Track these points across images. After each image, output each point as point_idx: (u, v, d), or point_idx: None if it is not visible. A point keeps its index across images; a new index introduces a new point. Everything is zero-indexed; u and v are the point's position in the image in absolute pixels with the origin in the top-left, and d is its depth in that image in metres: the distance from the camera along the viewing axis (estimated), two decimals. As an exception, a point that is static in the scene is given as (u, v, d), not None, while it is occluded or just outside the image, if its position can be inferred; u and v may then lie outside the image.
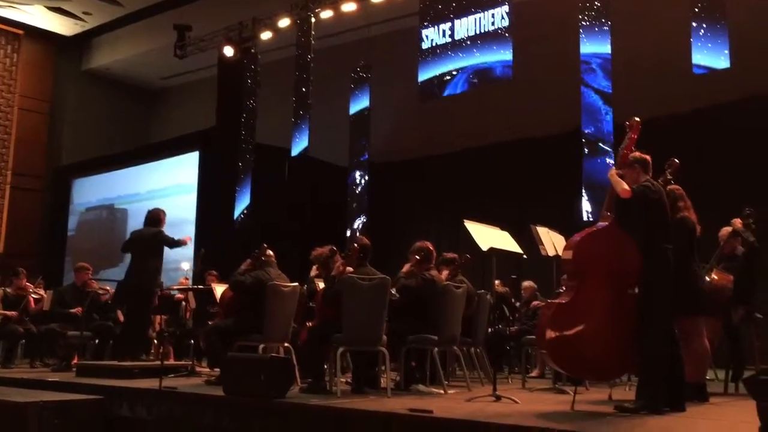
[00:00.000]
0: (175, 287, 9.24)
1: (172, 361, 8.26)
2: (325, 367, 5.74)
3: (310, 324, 6.47)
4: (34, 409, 4.90)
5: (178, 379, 6.58)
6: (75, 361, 8.03)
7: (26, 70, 15.44)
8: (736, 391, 5.89)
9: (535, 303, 8.26)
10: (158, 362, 6.99)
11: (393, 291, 5.75)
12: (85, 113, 16.30)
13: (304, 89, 11.94)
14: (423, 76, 10.64)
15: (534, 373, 8.01)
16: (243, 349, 5.94)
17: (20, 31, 15.28)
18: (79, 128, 16.22)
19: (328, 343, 5.48)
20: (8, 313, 8.69)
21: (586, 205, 8.92)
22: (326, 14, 11.92)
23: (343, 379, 5.94)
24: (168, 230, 7.85)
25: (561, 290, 5.89)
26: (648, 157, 4.70)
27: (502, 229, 6.16)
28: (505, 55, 9.77)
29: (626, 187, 4.50)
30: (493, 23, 9.97)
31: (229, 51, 13.07)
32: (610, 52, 9.00)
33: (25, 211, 15.01)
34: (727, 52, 7.97)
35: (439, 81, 10.45)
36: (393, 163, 13.76)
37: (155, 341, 8.70)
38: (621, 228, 4.63)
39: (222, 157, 13.09)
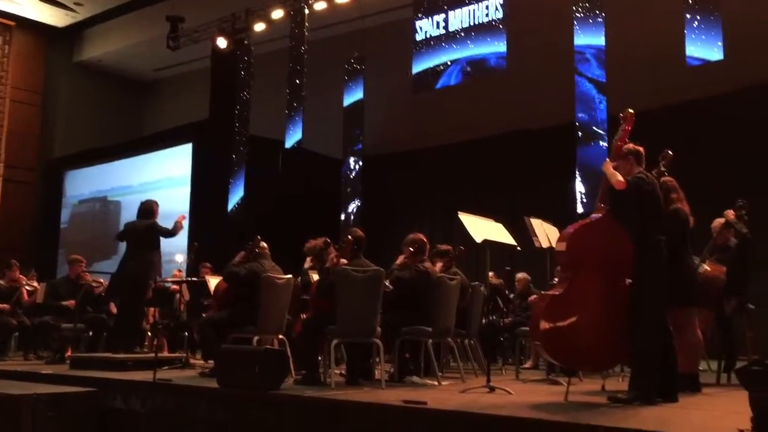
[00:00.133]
0: (169, 279, 9.22)
1: (166, 354, 8.26)
2: (320, 358, 5.75)
3: (305, 316, 6.47)
4: (28, 402, 4.89)
5: (172, 371, 6.57)
6: (69, 353, 8.01)
7: (18, 62, 15.34)
8: (729, 381, 5.92)
9: (532, 298, 8.28)
10: (152, 354, 6.98)
11: (387, 283, 5.75)
12: (77, 105, 16.22)
13: (297, 81, 11.90)
14: (417, 67, 10.62)
15: (528, 365, 8.03)
16: (237, 341, 5.94)
17: (11, 23, 15.18)
18: (71, 120, 16.14)
19: (322, 334, 5.49)
20: (1, 305, 8.66)
21: (580, 193, 8.94)
22: (320, 5, 11.87)
23: (338, 371, 5.96)
24: (161, 222, 7.82)
25: (554, 281, 5.91)
26: (641, 149, 4.71)
27: (496, 221, 6.16)
28: (499, 46, 9.76)
29: (621, 179, 4.50)
30: (487, 15, 9.96)
31: (222, 42, 13.01)
32: (604, 43, 9.00)
33: (17, 203, 14.95)
34: (720, 43, 7.98)
35: (433, 73, 10.44)
36: (387, 155, 13.75)
37: (149, 333, 8.70)
38: (615, 220, 4.64)
39: (215, 149, 13.05)
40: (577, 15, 9.20)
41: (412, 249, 6.15)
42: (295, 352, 5.99)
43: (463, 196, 12.17)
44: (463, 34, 10.20)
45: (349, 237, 5.82)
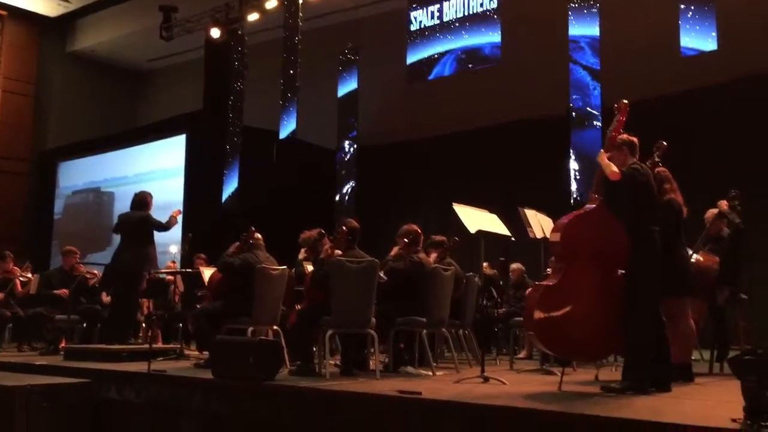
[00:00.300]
0: (163, 270, 9.20)
1: (160, 345, 8.26)
2: (314, 349, 5.76)
3: (299, 307, 6.47)
4: (22, 393, 4.89)
5: (166, 362, 6.58)
6: (63, 344, 8.00)
7: (10, 52, 15.24)
8: (721, 371, 5.95)
9: (528, 291, 8.29)
10: (146, 345, 6.97)
11: (381, 274, 5.75)
12: (70, 96, 16.13)
13: (291, 71, 11.86)
14: (411, 58, 10.60)
15: (522, 355, 8.06)
16: (232, 332, 5.94)
17: (3, 12, 15.08)
18: (64, 111, 16.06)
19: (316, 325, 5.49)
20: (-5, 296, 8.65)
21: (574, 170, 8.96)
22: (314, -5, 11.83)
23: (332, 362, 5.95)
24: (156, 214, 7.80)
25: (547, 272, 5.92)
26: (635, 140, 4.71)
27: (491, 211, 6.17)
28: (494, 37, 9.74)
29: (615, 169, 4.51)
30: (481, 5, 9.94)
31: (215, 33, 12.95)
32: (598, 34, 9.00)
33: (10, 195, 14.89)
34: (714, 34, 7.99)
35: (428, 63, 10.42)
36: (381, 145, 13.73)
37: (144, 324, 8.69)
38: (609, 210, 4.65)
39: (209, 140, 13.01)
40: (572, 5, 9.20)
41: (406, 240, 6.15)
42: (290, 343, 6.00)
43: (457, 187, 12.16)
44: (457, 24, 10.18)
45: (344, 228, 5.82)
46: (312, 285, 5.81)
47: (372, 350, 5.78)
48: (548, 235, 5.86)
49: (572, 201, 8.82)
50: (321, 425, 4.34)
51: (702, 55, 8.22)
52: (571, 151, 8.97)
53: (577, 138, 8.97)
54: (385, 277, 5.86)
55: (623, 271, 4.52)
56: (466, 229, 5.50)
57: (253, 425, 4.68)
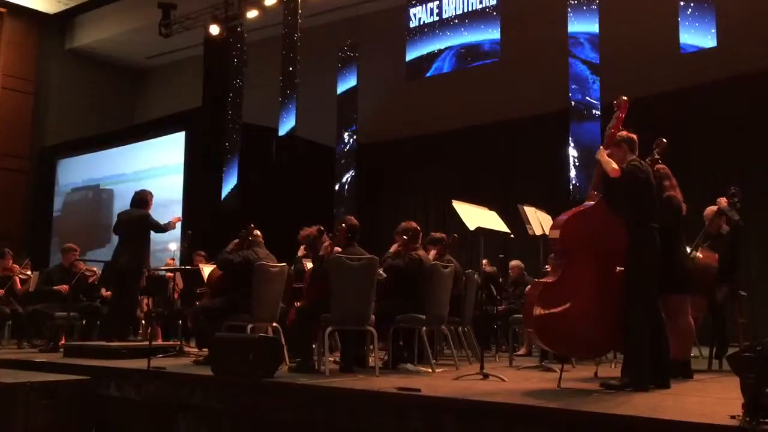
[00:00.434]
0: (162, 267, 9.21)
1: (160, 342, 8.26)
2: (314, 346, 5.76)
3: (298, 304, 6.48)
4: (22, 390, 4.89)
5: (166, 359, 6.58)
6: (62, 341, 8.01)
7: (9, 49, 15.21)
8: (720, 367, 5.96)
9: (528, 288, 8.31)
10: (146, 342, 6.98)
11: (380, 271, 5.76)
12: (70, 93, 16.10)
13: (291, 68, 11.84)
14: (411, 55, 10.58)
15: (521, 351, 8.07)
16: (231, 329, 5.95)
17: (3, 9, 15.04)
18: (63, 108, 16.03)
19: (316, 322, 5.49)
20: (-6, 294, 8.66)
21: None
22: (313, -8, 11.80)
23: (332, 359, 5.97)
24: (155, 211, 7.81)
25: (546, 269, 5.93)
26: (635, 137, 4.71)
27: (490, 208, 6.17)
28: (493, 34, 9.72)
29: (615, 166, 4.51)
30: (481, 2, 9.91)
31: (214, 30, 12.92)
32: (598, 31, 8.99)
33: (9, 192, 14.87)
34: (714, 31, 7.98)
35: (427, 60, 10.40)
36: (381, 142, 13.72)
37: (143, 322, 8.69)
38: (608, 207, 4.65)
39: (208, 137, 13.00)
40: (571, 2, 9.18)
41: (405, 237, 6.16)
42: (289, 340, 6.01)
43: (456, 184, 12.19)
44: (456, 21, 10.16)
45: (343, 225, 5.83)
46: (311, 282, 5.81)
47: (371, 347, 5.78)
48: (547, 232, 5.86)
49: (570, 190, 8.80)
50: (320, 422, 4.35)
51: (701, 51, 8.21)
52: (570, 141, 8.96)
53: (576, 130, 8.97)
54: (384, 275, 5.86)
55: (622, 268, 4.52)
56: (466, 226, 5.50)
57: (253, 422, 4.68)
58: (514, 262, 8.85)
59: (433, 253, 6.74)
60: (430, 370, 5.76)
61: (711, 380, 5.23)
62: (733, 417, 3.11)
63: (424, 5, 10.56)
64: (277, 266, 6.22)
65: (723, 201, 6.06)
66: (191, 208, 12.84)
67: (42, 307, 8.32)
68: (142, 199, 7.69)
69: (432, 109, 12.43)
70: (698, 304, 5.90)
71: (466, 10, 10.08)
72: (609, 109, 4.95)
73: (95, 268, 9.00)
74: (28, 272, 9.16)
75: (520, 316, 6.56)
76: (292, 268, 6.72)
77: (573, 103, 8.96)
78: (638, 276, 4.42)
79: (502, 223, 6.10)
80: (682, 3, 8.26)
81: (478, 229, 5.50)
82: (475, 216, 5.67)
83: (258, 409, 4.66)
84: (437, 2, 10.42)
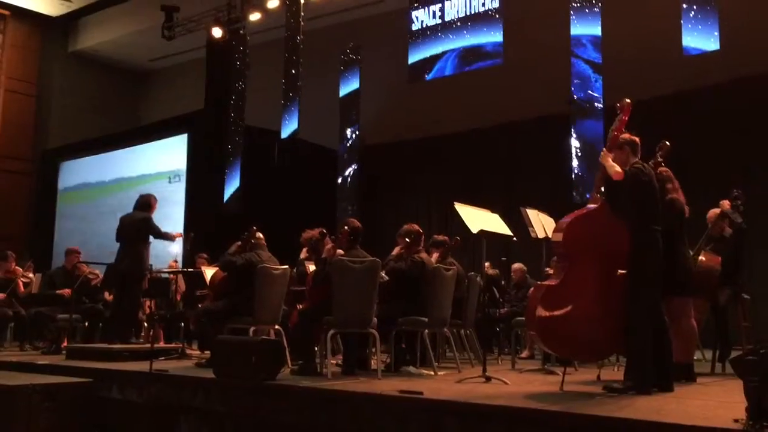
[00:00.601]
0: (165, 270, 9.21)
1: (162, 344, 8.26)
2: (316, 349, 5.75)
3: (301, 306, 6.47)
4: (24, 392, 4.89)
5: (168, 361, 6.58)
6: (65, 344, 8.01)
7: (12, 51, 15.25)
8: (723, 371, 5.95)
9: (531, 291, 8.30)
10: (148, 345, 6.98)
11: (383, 274, 5.75)
12: (72, 95, 16.13)
13: (293, 71, 11.86)
14: (413, 57, 10.60)
15: (524, 354, 8.05)
16: (233, 331, 5.95)
17: (6, 12, 15.08)
18: (66, 110, 16.06)
19: (318, 325, 5.49)
20: (-3, 296, 8.66)
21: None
22: (315, -5, 11.82)
23: (334, 361, 5.96)
24: (157, 213, 7.82)
25: (548, 271, 5.92)
26: (637, 139, 4.70)
27: (493, 211, 6.17)
28: (495, 36, 9.73)
29: (618, 169, 4.50)
30: (483, 4, 9.93)
31: (217, 32, 12.95)
32: (600, 34, 8.99)
33: (12, 194, 14.90)
34: (716, 34, 7.98)
35: (429, 63, 10.41)
36: (383, 145, 13.73)
37: (145, 324, 8.69)
38: (611, 210, 4.64)
39: (211, 140, 13.01)
40: (574, 5, 9.19)
41: (407, 240, 6.15)
42: (292, 343, 6.00)
43: (459, 187, 12.18)
44: (459, 24, 10.18)
45: (346, 228, 5.82)
46: (314, 284, 5.81)
47: (373, 350, 5.77)
48: (550, 235, 5.86)
49: (573, 180, 8.80)
50: (322, 425, 4.34)
51: (704, 54, 8.21)
52: (573, 138, 8.96)
53: (578, 127, 8.98)
54: (386, 277, 5.86)
55: (625, 271, 4.51)
56: (468, 228, 5.49)
57: (255, 425, 4.68)
58: (516, 265, 8.84)
59: (435, 255, 6.73)
60: (432, 373, 5.75)
61: (714, 383, 5.21)
62: (736, 421, 3.10)
63: (426, 8, 10.58)
64: (279, 269, 6.22)
65: (726, 204, 6.05)
66: (193, 210, 12.85)
67: (44, 309, 8.33)
68: (145, 203, 7.71)
69: (434, 112, 12.43)
70: (701, 307, 5.88)
71: (468, 13, 10.10)
72: (612, 111, 4.95)
73: (97, 271, 9.00)
74: (31, 275, 9.17)
75: (523, 318, 6.53)
76: (294, 270, 6.71)
77: (575, 96, 8.96)
78: (641, 279, 4.41)
79: (505, 225, 6.10)
80: (684, 6, 8.27)
81: (481, 231, 5.50)
82: (478, 219, 5.67)
83: (260, 412, 4.65)
84: (439, 5, 10.44)
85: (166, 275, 9.03)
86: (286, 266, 6.38)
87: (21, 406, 4.85)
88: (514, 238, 6.29)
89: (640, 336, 4.36)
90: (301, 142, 12.26)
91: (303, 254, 6.96)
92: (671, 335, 4.60)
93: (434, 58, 10.35)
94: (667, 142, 5.24)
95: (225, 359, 5.11)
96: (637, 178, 4.50)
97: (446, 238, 7.14)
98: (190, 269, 8.60)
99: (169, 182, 13.65)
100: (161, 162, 14.05)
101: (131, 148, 14.83)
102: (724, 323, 6.25)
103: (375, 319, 5.52)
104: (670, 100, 10.32)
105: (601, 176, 4.71)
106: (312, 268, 6.34)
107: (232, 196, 12.49)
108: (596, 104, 8.81)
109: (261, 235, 6.48)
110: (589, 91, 8.87)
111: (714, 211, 6.21)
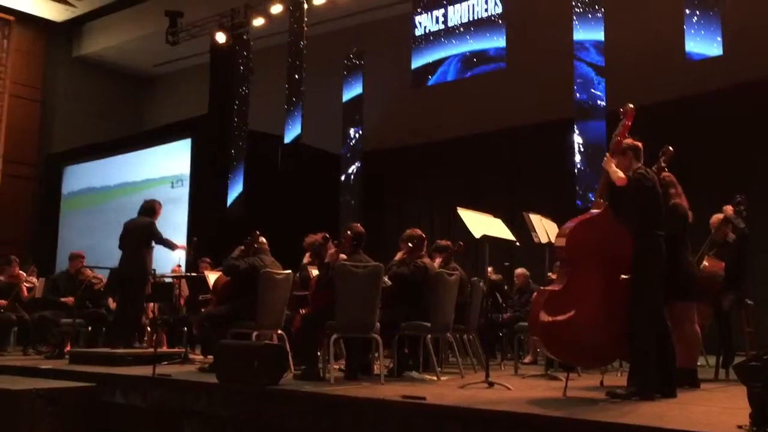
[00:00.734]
0: (168, 275, 9.22)
1: (165, 349, 8.27)
2: (319, 354, 5.76)
3: (304, 311, 6.48)
4: (27, 397, 4.90)
5: (171, 366, 6.58)
6: (68, 348, 8.02)
7: (17, 57, 15.30)
8: (727, 376, 5.93)
9: (534, 296, 8.29)
10: (151, 349, 6.99)
11: (386, 279, 5.75)
12: (77, 100, 16.18)
13: (296, 76, 11.88)
14: (416, 63, 10.61)
15: (527, 360, 8.05)
16: (236, 336, 5.95)
17: (11, 17, 15.13)
18: (70, 115, 16.10)
19: (321, 330, 5.49)
20: (0, 301, 8.67)
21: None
22: (319, 0, 11.84)
23: (337, 366, 5.96)
24: (160, 217, 7.83)
25: (551, 276, 5.92)
26: (640, 144, 4.71)
27: (495, 216, 6.17)
28: (498, 42, 9.74)
29: (622, 175, 4.50)
30: (486, 10, 9.94)
31: (221, 37, 12.99)
32: (603, 39, 9.00)
33: (16, 198, 14.92)
34: (720, 39, 7.97)
35: (432, 68, 10.43)
36: (386, 149, 13.74)
37: (149, 329, 8.70)
38: (614, 215, 4.64)
39: (214, 145, 13.03)
40: (576, 10, 9.19)
41: (410, 244, 6.16)
42: (295, 347, 6.01)
43: (461, 191, 12.19)
44: (462, 29, 10.18)
45: (349, 232, 5.83)
46: (317, 289, 5.82)
47: (376, 355, 5.77)
48: (553, 240, 5.86)
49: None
50: (325, 430, 4.34)
51: (707, 60, 8.21)
52: (575, 136, 8.97)
53: (581, 129, 8.99)
54: (389, 282, 5.86)
55: (628, 276, 4.51)
56: (471, 233, 5.49)
57: (258, 429, 4.68)
58: (519, 270, 8.84)
59: (438, 260, 6.74)
60: (435, 378, 5.75)
61: (718, 389, 5.20)
62: (740, 427, 3.09)
63: (429, 13, 10.59)
64: (282, 273, 6.22)
65: (729, 209, 6.04)
66: (197, 214, 12.86)
67: (48, 313, 8.34)
68: (150, 208, 7.72)
69: (437, 117, 12.44)
70: (704, 312, 5.87)
71: (471, 19, 10.10)
72: (615, 116, 4.95)
73: (101, 276, 9.02)
74: (34, 279, 9.18)
75: (526, 324, 6.53)
76: (297, 275, 6.72)
77: (577, 94, 8.97)
78: (644, 284, 4.41)
79: (508, 230, 6.10)
80: (687, 11, 8.27)
81: (484, 236, 5.50)
82: (481, 223, 5.67)
83: (263, 417, 4.65)
84: (443, 10, 10.45)
85: (169, 280, 9.04)
86: (289, 271, 6.39)
87: (24, 411, 4.86)
88: (517, 243, 6.28)
89: (643, 341, 4.35)
90: (304, 147, 12.28)
91: (306, 259, 6.96)
92: (674, 341, 4.59)
93: (437, 63, 10.37)
94: (671, 147, 5.24)
95: (228, 364, 5.11)
96: (640, 183, 4.50)
97: (449, 243, 7.14)
98: (193, 274, 8.61)
99: (172, 187, 13.69)
100: (165, 166, 14.08)
101: (135, 152, 14.87)
102: (727, 329, 6.24)
103: (378, 324, 5.51)
104: (673, 105, 10.32)
105: (604, 181, 4.71)
106: (315, 272, 6.34)
107: (235, 200, 12.51)
108: (599, 101, 8.80)
109: (264, 240, 6.48)
110: (592, 90, 8.88)
111: (717, 217, 6.20)
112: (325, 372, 5.53)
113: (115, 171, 15.06)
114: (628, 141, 4.70)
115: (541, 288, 5.13)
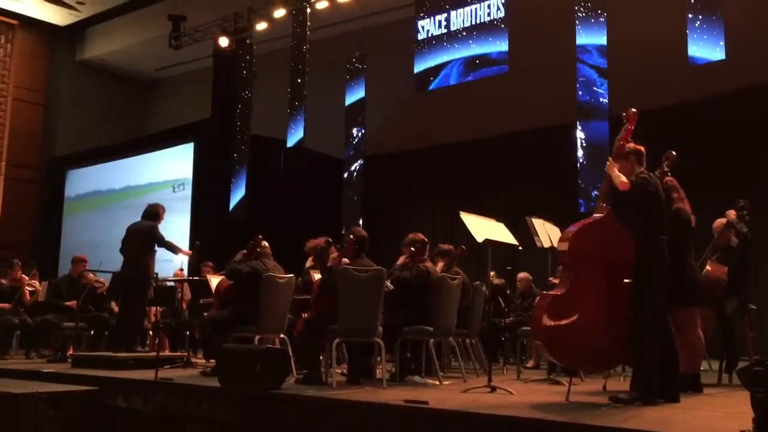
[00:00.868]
0: (170, 278, 9.23)
1: (167, 353, 8.26)
2: (321, 358, 5.75)
3: (306, 315, 6.47)
4: (29, 401, 4.90)
5: (173, 370, 6.59)
6: (70, 352, 8.02)
7: (20, 61, 15.34)
8: (730, 381, 5.92)
9: (536, 300, 8.28)
10: (154, 353, 6.98)
11: (388, 283, 5.75)
12: (80, 104, 16.21)
13: (299, 80, 11.90)
14: (419, 67, 10.62)
15: (529, 364, 8.03)
16: (239, 340, 5.94)
17: (14, 21, 15.17)
18: (74, 119, 16.14)
19: (323, 334, 5.49)
20: (2, 304, 8.68)
21: (580, 139, 9.00)
22: (322, 5, 11.86)
23: (339, 370, 5.96)
24: (163, 222, 7.84)
25: (553, 281, 5.91)
26: (642, 149, 4.70)
27: (498, 220, 6.17)
28: (501, 46, 9.75)
29: (624, 180, 4.50)
30: (489, 14, 9.95)
31: (224, 42, 13.01)
32: (606, 43, 9.00)
33: (19, 202, 14.94)
34: (722, 43, 7.98)
35: (435, 72, 10.44)
36: (388, 154, 13.75)
37: (151, 332, 8.70)
38: (617, 219, 4.64)
39: (217, 148, 13.07)
40: (579, 14, 9.20)
41: (413, 249, 6.16)
42: (297, 351, 6.00)
43: (464, 196, 12.19)
44: (464, 34, 10.20)
45: (351, 236, 5.83)
46: (319, 293, 5.81)
47: (379, 359, 5.77)
48: (555, 244, 5.86)
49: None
50: (327, 434, 4.34)
51: (710, 64, 8.21)
52: (578, 137, 8.97)
53: (584, 130, 8.99)
54: (392, 286, 5.86)
55: (630, 280, 4.50)
56: (474, 237, 5.49)
57: (260, 434, 4.68)
58: (522, 274, 8.82)
59: (440, 264, 6.73)
60: (437, 382, 5.74)
61: (721, 394, 5.19)
62: (743, 432, 3.09)
63: (432, 18, 10.61)
64: (284, 277, 6.22)
65: (732, 214, 6.03)
66: (199, 218, 12.88)
67: (50, 317, 8.35)
68: (153, 212, 7.74)
69: (440, 121, 12.45)
70: (708, 317, 5.86)
71: (474, 23, 10.12)
72: (617, 120, 4.95)
73: (103, 279, 9.03)
74: (36, 283, 9.19)
75: (528, 328, 6.53)
76: (300, 279, 6.71)
77: (580, 92, 8.98)
78: (647, 288, 4.40)
79: (510, 235, 6.10)
80: (690, 16, 8.27)
81: (486, 240, 5.50)
82: (483, 228, 5.67)
83: (265, 421, 4.65)
84: (445, 15, 10.46)
85: (172, 283, 9.05)
86: (292, 275, 6.39)
87: (26, 414, 4.86)
88: (520, 248, 6.29)
89: (645, 346, 4.34)
90: (306, 151, 12.28)
91: (308, 263, 6.96)
92: (678, 345, 4.58)
93: (440, 67, 10.38)
94: (673, 152, 5.23)
95: (230, 368, 5.11)
96: (643, 187, 4.50)
97: (451, 247, 7.13)
98: (195, 278, 8.61)
99: (174, 191, 13.71)
100: (168, 170, 14.10)
101: (138, 156, 14.89)
102: (730, 333, 6.23)
103: (380, 328, 5.51)
104: (675, 109, 10.32)
105: (607, 186, 4.70)
106: (317, 276, 6.34)
107: (237, 204, 12.52)
108: (602, 99, 8.81)
109: (266, 244, 6.49)
110: (595, 88, 8.88)
111: (720, 221, 6.19)
112: (327, 376, 5.52)
113: (118, 175, 15.09)
114: (631, 145, 4.69)
115: (544, 292, 5.12)
